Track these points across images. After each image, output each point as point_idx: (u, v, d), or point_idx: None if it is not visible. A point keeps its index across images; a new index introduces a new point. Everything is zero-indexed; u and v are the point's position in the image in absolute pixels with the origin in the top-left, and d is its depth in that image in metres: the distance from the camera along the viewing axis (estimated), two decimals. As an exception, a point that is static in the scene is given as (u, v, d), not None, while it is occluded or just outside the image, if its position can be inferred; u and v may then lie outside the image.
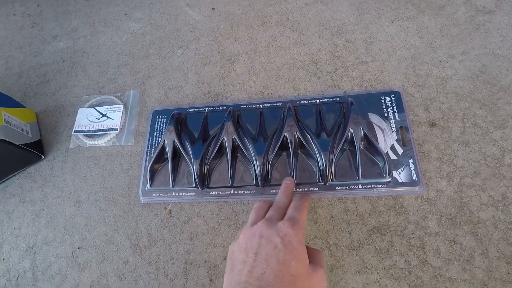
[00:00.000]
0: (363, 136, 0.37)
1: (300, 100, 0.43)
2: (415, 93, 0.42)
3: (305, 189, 0.38)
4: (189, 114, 0.44)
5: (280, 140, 0.38)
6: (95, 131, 0.47)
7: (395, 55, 0.45)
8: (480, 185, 0.36)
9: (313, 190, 0.37)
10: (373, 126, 0.39)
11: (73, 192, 0.44)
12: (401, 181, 0.36)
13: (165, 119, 0.45)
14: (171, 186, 0.40)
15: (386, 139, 0.38)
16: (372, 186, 0.36)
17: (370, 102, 0.41)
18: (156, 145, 0.44)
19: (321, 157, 0.37)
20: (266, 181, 0.38)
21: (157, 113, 0.46)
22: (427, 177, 0.37)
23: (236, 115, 0.43)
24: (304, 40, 0.49)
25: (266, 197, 0.38)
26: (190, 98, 0.47)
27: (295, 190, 0.38)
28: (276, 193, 0.37)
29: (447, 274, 0.33)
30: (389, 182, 0.36)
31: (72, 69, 0.54)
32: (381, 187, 0.36)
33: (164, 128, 0.44)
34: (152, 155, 0.43)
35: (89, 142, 0.47)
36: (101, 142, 0.46)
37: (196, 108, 0.45)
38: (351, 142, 0.38)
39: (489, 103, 0.39)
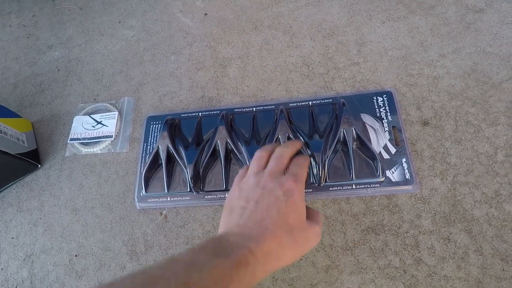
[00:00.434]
0: (355, 136, 0.38)
1: (292, 102, 0.43)
2: (407, 93, 0.42)
3: None
4: (183, 119, 0.45)
5: (273, 142, 0.38)
6: (90, 138, 0.47)
7: (387, 55, 0.45)
8: (473, 182, 0.36)
9: (307, 192, 0.37)
10: (366, 126, 0.39)
11: (69, 200, 0.45)
12: (394, 181, 0.36)
13: (159, 125, 0.45)
14: (166, 191, 0.40)
15: (379, 139, 0.39)
16: (366, 186, 0.37)
17: (363, 102, 0.41)
18: (150, 151, 0.44)
19: (314, 159, 0.37)
20: None
21: (151, 119, 0.46)
22: (420, 175, 0.37)
23: (229, 119, 0.43)
24: (296, 43, 0.49)
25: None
26: (184, 103, 0.48)
27: None
28: None
29: (442, 272, 0.33)
30: (382, 181, 0.36)
31: (67, 78, 0.55)
32: (375, 187, 0.36)
33: (158, 134, 0.45)
34: (147, 161, 0.43)
35: (85, 150, 0.47)
36: (96, 149, 0.47)
37: (190, 113, 0.45)
38: (344, 142, 0.38)
39: (481, 101, 0.40)
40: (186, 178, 0.40)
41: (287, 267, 0.36)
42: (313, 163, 0.37)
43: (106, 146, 0.47)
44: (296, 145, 0.34)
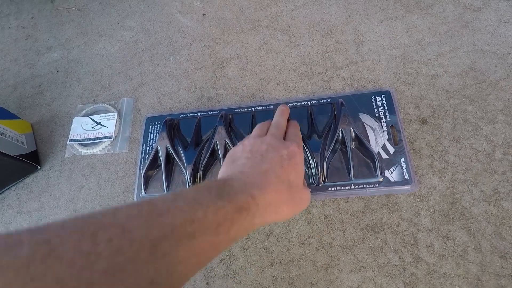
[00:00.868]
0: (354, 136, 0.38)
1: (291, 102, 0.43)
2: (405, 91, 0.42)
3: None
4: (182, 119, 0.45)
5: None
6: (90, 139, 0.47)
7: (385, 54, 0.45)
8: (471, 180, 0.36)
9: None
10: (364, 126, 0.40)
11: (69, 201, 0.45)
12: (393, 180, 0.36)
13: (158, 125, 0.46)
14: (165, 191, 0.40)
15: (378, 139, 0.39)
16: (365, 186, 0.37)
17: (361, 102, 0.41)
18: (150, 151, 0.44)
19: (313, 159, 0.37)
20: None
21: (150, 120, 0.47)
22: (419, 174, 0.37)
23: (228, 119, 0.43)
24: (295, 43, 0.49)
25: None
26: (183, 103, 0.48)
27: None
28: None
29: (441, 270, 0.33)
30: (381, 181, 0.36)
31: (67, 79, 0.55)
32: (373, 186, 0.36)
33: (157, 134, 0.45)
34: (146, 161, 0.43)
35: (84, 151, 0.47)
36: (96, 150, 0.47)
37: (188, 113, 0.45)
38: (342, 142, 0.38)
39: (479, 99, 0.40)
40: (185, 179, 0.40)
41: (289, 265, 0.36)
42: (312, 163, 0.38)
43: (106, 147, 0.47)
44: (286, 112, 0.37)
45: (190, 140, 0.42)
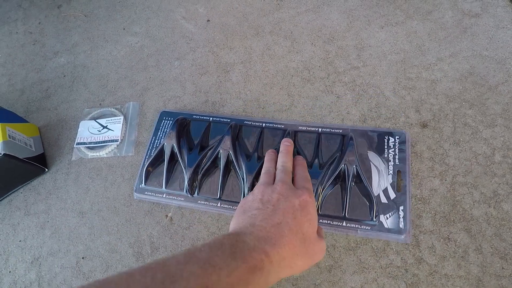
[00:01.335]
0: (355, 174, 0.37)
1: (303, 126, 0.42)
2: (406, 96, 0.43)
3: None
4: (193, 121, 0.46)
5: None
6: (96, 143, 0.48)
7: (386, 59, 0.46)
8: (472, 183, 0.37)
9: None
10: (371, 165, 0.38)
11: (76, 203, 0.46)
12: (387, 227, 0.35)
13: (170, 121, 0.47)
14: (163, 188, 0.41)
15: (381, 181, 0.37)
16: (356, 226, 0.36)
17: (373, 139, 0.40)
18: (157, 145, 0.45)
19: None
20: None
21: (164, 114, 0.48)
22: (420, 177, 0.38)
23: (237, 131, 0.43)
24: (297, 48, 0.50)
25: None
26: (188, 108, 0.49)
27: None
28: None
29: (442, 271, 0.33)
30: (374, 225, 0.35)
31: (73, 84, 0.56)
32: (366, 229, 0.36)
33: (168, 130, 0.46)
34: (151, 154, 0.44)
35: (91, 154, 0.48)
36: (102, 153, 0.48)
37: (201, 115, 0.46)
38: (343, 178, 0.37)
39: (478, 103, 0.41)
40: (184, 180, 0.41)
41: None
42: None
43: (112, 150, 0.48)
44: (291, 149, 0.36)
45: (197, 143, 0.43)
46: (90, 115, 0.51)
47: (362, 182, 0.36)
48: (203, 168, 0.41)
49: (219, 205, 0.40)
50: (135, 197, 0.43)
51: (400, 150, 0.39)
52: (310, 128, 0.42)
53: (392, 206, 0.36)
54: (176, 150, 0.42)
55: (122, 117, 0.49)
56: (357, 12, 0.51)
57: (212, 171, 0.42)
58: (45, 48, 0.61)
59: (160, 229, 0.42)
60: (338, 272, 0.35)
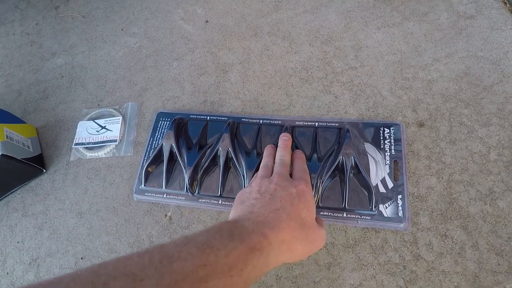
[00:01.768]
0: (353, 165, 0.37)
1: (300, 121, 0.43)
2: (402, 96, 0.43)
3: None
4: (190, 120, 0.46)
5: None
6: (95, 143, 0.48)
7: (383, 60, 0.47)
8: (468, 181, 0.37)
9: None
10: (368, 156, 0.39)
11: (74, 203, 0.45)
12: (386, 216, 0.36)
13: (168, 122, 0.47)
14: (163, 188, 0.42)
15: (378, 171, 0.38)
16: (357, 216, 0.37)
17: (369, 131, 0.41)
18: (156, 145, 0.45)
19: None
20: None
21: (161, 115, 0.48)
22: (417, 175, 0.38)
23: (235, 128, 0.44)
24: (295, 49, 0.51)
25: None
26: (186, 108, 0.49)
27: None
28: None
29: (440, 268, 0.34)
30: (374, 215, 0.36)
31: (71, 84, 0.56)
32: (366, 219, 0.36)
33: (165, 130, 0.46)
34: (150, 155, 0.44)
35: (89, 154, 0.48)
36: (101, 153, 0.47)
37: (198, 115, 0.46)
38: (342, 169, 0.38)
39: (474, 103, 0.41)
40: (184, 179, 0.41)
41: (292, 264, 0.37)
42: None
43: (111, 150, 0.48)
44: (289, 144, 0.37)
45: (195, 142, 0.43)
46: (89, 116, 0.51)
47: (360, 173, 0.37)
48: (202, 167, 0.41)
49: (220, 202, 0.40)
50: (135, 199, 0.43)
51: (396, 141, 0.40)
52: (307, 123, 0.43)
53: (390, 195, 0.37)
54: (175, 149, 0.42)
55: (120, 118, 0.49)
56: (355, 13, 0.52)
57: (212, 169, 0.42)
58: (42, 49, 0.61)
59: (160, 229, 0.42)
60: (337, 269, 0.36)
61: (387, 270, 0.35)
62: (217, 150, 0.41)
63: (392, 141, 0.40)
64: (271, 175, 0.32)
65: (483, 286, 0.33)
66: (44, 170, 0.48)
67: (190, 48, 0.55)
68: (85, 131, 0.50)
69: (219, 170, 0.41)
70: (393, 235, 0.36)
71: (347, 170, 0.37)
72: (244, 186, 0.39)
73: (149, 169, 0.43)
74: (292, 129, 0.42)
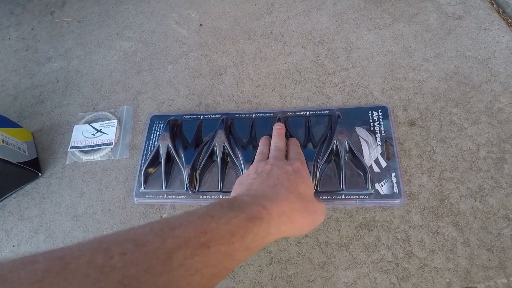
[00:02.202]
0: (347, 148, 0.39)
1: (291, 111, 0.44)
2: (393, 96, 0.44)
3: None
4: (184, 121, 0.46)
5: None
6: (90, 146, 0.48)
7: (374, 61, 0.47)
8: (458, 178, 0.38)
9: None
10: (359, 139, 0.41)
11: (70, 207, 0.46)
12: (383, 193, 0.37)
13: (162, 125, 0.47)
14: (163, 188, 0.42)
15: (371, 152, 0.40)
16: (355, 197, 0.38)
17: (358, 116, 0.42)
18: (152, 149, 0.46)
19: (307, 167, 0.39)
20: None
21: (155, 118, 0.48)
22: (409, 173, 0.39)
23: (229, 124, 0.45)
24: (288, 51, 0.51)
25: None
26: (181, 110, 0.49)
27: None
28: None
29: (432, 264, 0.34)
30: (371, 194, 0.38)
31: (67, 89, 0.56)
32: (364, 198, 0.38)
33: (160, 133, 0.46)
34: (147, 158, 0.44)
35: (85, 158, 0.48)
36: (96, 157, 0.48)
37: (191, 115, 0.47)
38: (336, 153, 0.39)
39: (463, 102, 0.42)
40: (183, 178, 0.41)
41: (285, 264, 0.37)
42: None
43: (106, 153, 0.48)
44: (282, 132, 0.38)
45: (191, 141, 0.44)
46: (84, 119, 0.51)
47: (354, 155, 0.39)
48: (200, 164, 0.42)
49: (221, 197, 0.41)
50: (135, 202, 0.43)
51: (385, 122, 0.41)
52: (298, 113, 0.44)
53: (384, 174, 0.38)
54: (171, 150, 0.43)
55: (116, 121, 0.50)
56: (346, 15, 0.53)
57: (210, 165, 0.43)
58: (38, 54, 0.62)
59: (155, 231, 0.42)
60: (331, 268, 0.36)
61: (380, 268, 0.35)
62: (214, 146, 0.42)
63: (381, 122, 0.41)
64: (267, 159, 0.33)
65: (474, 281, 0.33)
66: (40, 174, 0.49)
67: (184, 52, 0.55)
68: (81, 134, 0.50)
69: (217, 166, 0.42)
70: (386, 233, 0.37)
71: (341, 153, 0.39)
72: None
73: (147, 171, 0.43)
74: (285, 120, 0.43)
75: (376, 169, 0.39)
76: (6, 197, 0.48)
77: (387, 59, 0.47)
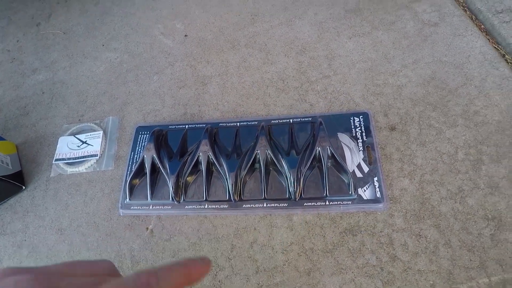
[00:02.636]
0: (330, 154, 0.39)
1: (275, 119, 0.45)
2: (374, 101, 0.45)
3: (275, 204, 0.39)
4: (170, 131, 0.47)
5: (252, 157, 0.40)
6: (75, 158, 0.48)
7: (355, 68, 0.49)
8: (438, 180, 0.39)
9: (283, 206, 0.39)
10: (342, 145, 0.41)
11: (55, 220, 0.45)
12: (365, 198, 0.38)
13: (147, 135, 0.47)
14: (149, 199, 0.42)
15: (353, 158, 0.40)
16: (338, 202, 0.38)
17: (340, 122, 0.43)
18: (137, 159, 0.46)
19: (289, 174, 0.39)
20: (239, 196, 0.40)
21: (140, 129, 0.48)
22: (390, 177, 0.40)
23: (213, 133, 0.45)
24: (272, 60, 0.52)
25: (238, 211, 0.40)
26: (167, 120, 0.50)
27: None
28: (248, 208, 0.40)
29: (415, 267, 0.35)
30: (354, 199, 0.38)
31: (52, 100, 0.56)
32: (347, 204, 0.38)
33: (145, 143, 0.46)
34: (132, 169, 0.44)
35: (70, 170, 0.48)
36: (81, 168, 0.47)
37: (177, 125, 0.47)
38: (319, 160, 0.40)
39: (441, 106, 0.43)
40: (168, 188, 0.41)
41: (273, 272, 0.37)
42: (291, 179, 0.39)
43: (92, 165, 0.48)
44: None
45: (176, 151, 0.44)
46: (69, 131, 0.51)
47: (337, 161, 0.39)
48: (185, 174, 0.42)
49: (206, 206, 0.41)
50: (121, 214, 0.43)
51: (366, 128, 0.42)
52: (282, 121, 0.45)
53: (367, 179, 0.39)
54: (156, 160, 0.43)
55: (101, 132, 0.50)
56: (327, 24, 0.54)
57: (195, 175, 0.43)
58: (23, 66, 0.61)
59: (141, 242, 0.41)
60: (317, 275, 0.36)
61: (365, 273, 0.35)
62: (198, 156, 0.42)
63: (363, 128, 0.42)
64: None
65: (457, 282, 0.34)
66: (24, 187, 0.48)
67: (170, 62, 0.56)
68: (66, 146, 0.50)
69: (202, 175, 0.42)
70: (370, 237, 0.37)
71: (324, 160, 0.39)
72: (228, 187, 0.40)
73: (133, 182, 0.43)
74: (268, 128, 0.44)
75: (358, 174, 0.39)
76: (-11, 212, 0.47)
77: (367, 66, 0.48)
